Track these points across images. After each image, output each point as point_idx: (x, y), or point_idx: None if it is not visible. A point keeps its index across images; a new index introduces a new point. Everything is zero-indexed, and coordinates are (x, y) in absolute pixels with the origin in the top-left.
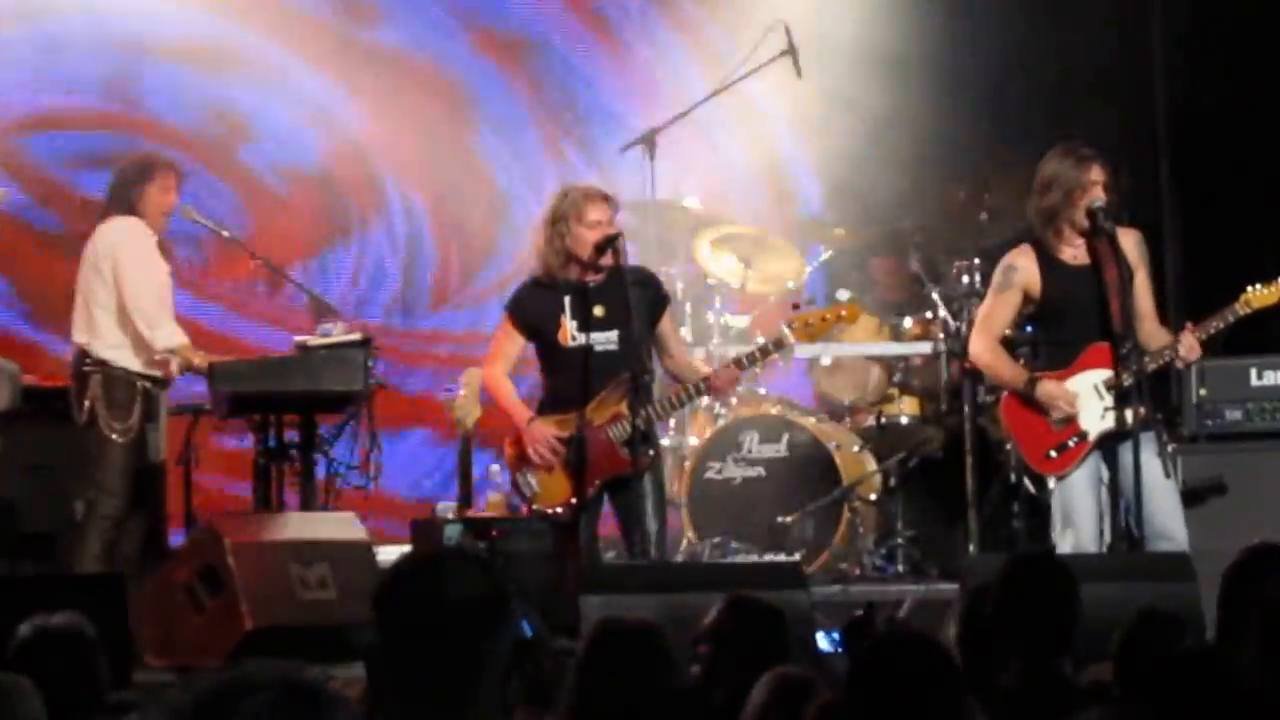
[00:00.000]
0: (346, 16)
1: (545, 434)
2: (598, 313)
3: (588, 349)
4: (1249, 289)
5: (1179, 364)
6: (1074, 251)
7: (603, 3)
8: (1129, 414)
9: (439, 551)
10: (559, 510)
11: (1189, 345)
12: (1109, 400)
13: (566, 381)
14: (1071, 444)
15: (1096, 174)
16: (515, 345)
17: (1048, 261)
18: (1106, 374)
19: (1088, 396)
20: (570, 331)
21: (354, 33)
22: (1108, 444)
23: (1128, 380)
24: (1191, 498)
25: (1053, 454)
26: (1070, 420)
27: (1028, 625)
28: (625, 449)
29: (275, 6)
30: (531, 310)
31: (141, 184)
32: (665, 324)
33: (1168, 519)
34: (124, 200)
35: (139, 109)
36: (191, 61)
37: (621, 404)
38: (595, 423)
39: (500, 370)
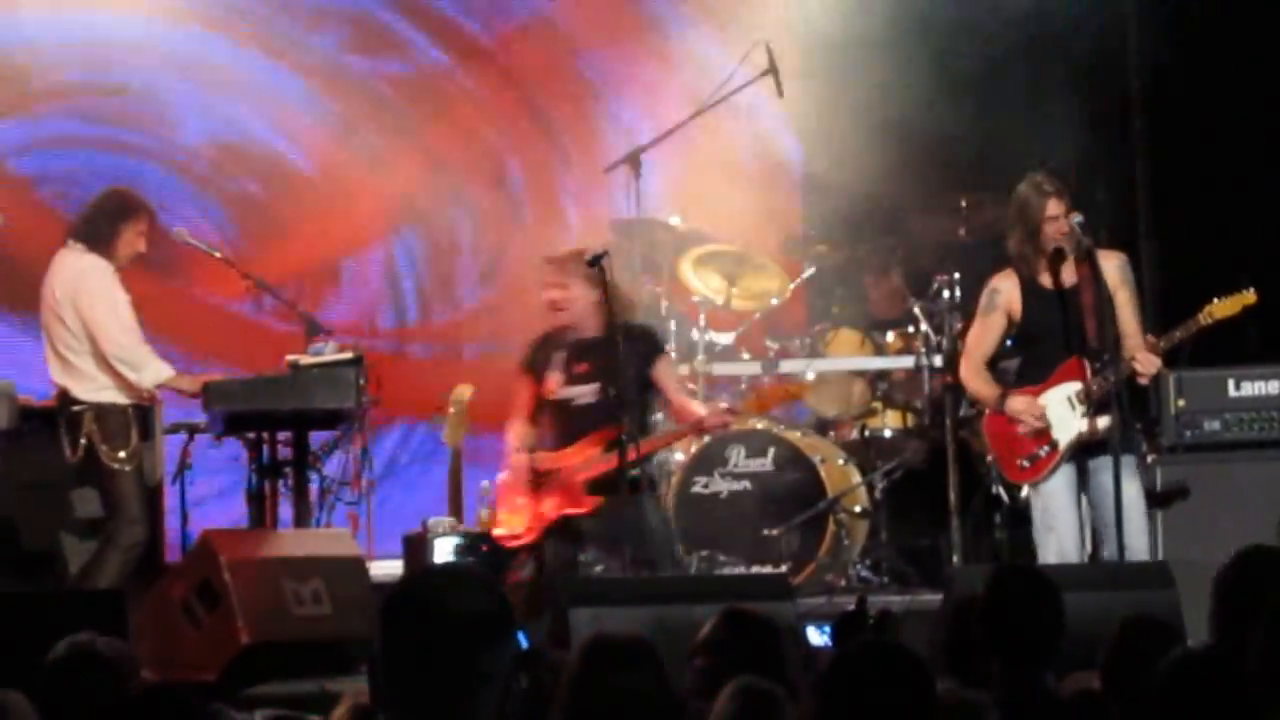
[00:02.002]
0: (341, 41)
1: (523, 465)
2: (581, 369)
3: (568, 403)
4: (1214, 301)
5: (1138, 379)
6: (1050, 277)
7: (588, 25)
8: (1100, 421)
9: (443, 567)
10: (510, 536)
11: (1143, 359)
12: (1080, 411)
13: (547, 431)
14: (1042, 454)
15: (1054, 207)
16: (526, 393)
17: (1028, 285)
18: (1078, 386)
19: (1059, 408)
20: (555, 385)
21: (348, 57)
22: (1081, 455)
23: (1096, 387)
24: (1159, 501)
25: (1024, 463)
26: (1043, 432)
27: (1012, 637)
28: (587, 491)
29: (271, 29)
30: (535, 362)
31: (117, 222)
32: (660, 373)
33: (1132, 536)
34: (93, 232)
35: (131, 129)
36: (188, 82)
37: (598, 449)
38: (568, 462)
39: (518, 418)
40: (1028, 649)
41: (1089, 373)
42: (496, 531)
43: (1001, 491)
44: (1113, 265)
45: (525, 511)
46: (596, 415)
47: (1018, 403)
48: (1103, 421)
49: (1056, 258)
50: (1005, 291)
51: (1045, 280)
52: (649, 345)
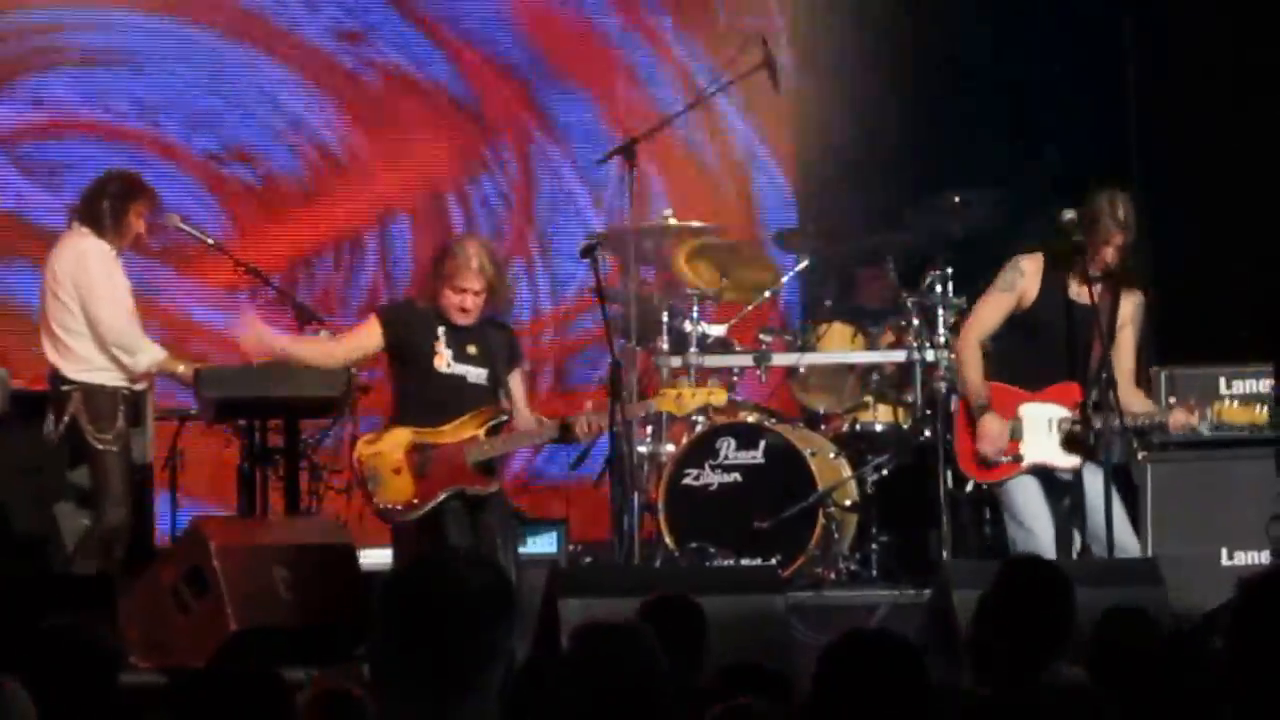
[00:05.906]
0: (336, 36)
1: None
2: (471, 350)
3: (462, 379)
4: (1227, 404)
5: (1172, 429)
6: (1077, 288)
7: (584, 16)
8: (1069, 460)
9: (445, 551)
10: (397, 507)
11: (1178, 420)
12: (1056, 437)
13: (431, 404)
14: (1004, 461)
15: (1119, 238)
16: (371, 343)
17: (1049, 282)
18: (1065, 413)
19: (1038, 426)
20: (446, 359)
21: (344, 51)
22: (1044, 473)
23: (1094, 424)
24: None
25: (983, 463)
26: (1012, 443)
27: (1023, 629)
28: (477, 469)
29: (266, 23)
30: (409, 325)
31: (121, 203)
32: (517, 375)
33: (1121, 534)
34: (96, 212)
35: (125, 119)
36: (177, 72)
37: (480, 429)
38: (452, 439)
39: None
40: (1039, 640)
41: (1080, 409)
42: (377, 501)
43: (948, 475)
44: (1129, 302)
45: (410, 479)
46: (485, 398)
47: (992, 426)
48: (1071, 461)
49: (1088, 272)
50: (1028, 276)
51: (1068, 287)
52: (514, 346)
